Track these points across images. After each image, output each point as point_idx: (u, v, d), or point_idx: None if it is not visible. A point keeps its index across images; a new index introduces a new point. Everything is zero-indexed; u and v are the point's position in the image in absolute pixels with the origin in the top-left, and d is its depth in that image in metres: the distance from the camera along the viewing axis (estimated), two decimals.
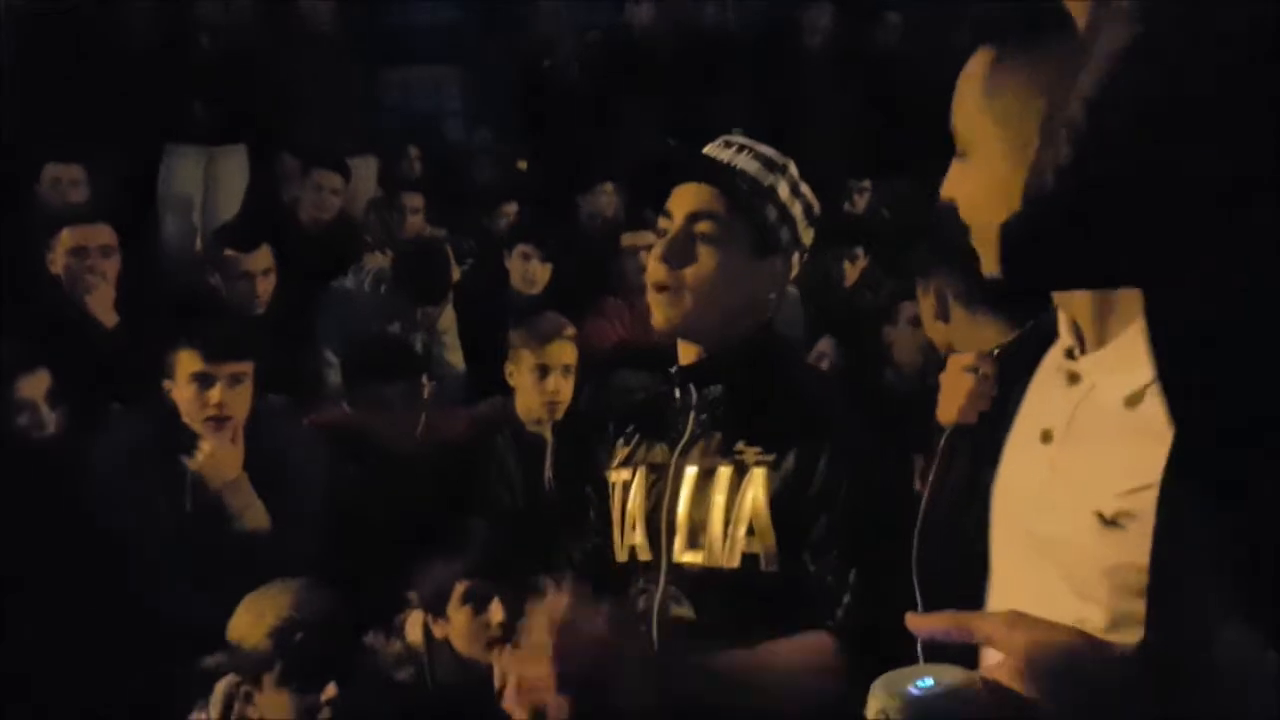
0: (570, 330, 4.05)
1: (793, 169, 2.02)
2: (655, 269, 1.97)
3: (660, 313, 1.98)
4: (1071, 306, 1.37)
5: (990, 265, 1.37)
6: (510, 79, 7.72)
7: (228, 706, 2.63)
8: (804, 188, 2.02)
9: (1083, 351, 1.37)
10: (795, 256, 2.02)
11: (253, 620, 2.61)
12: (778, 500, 1.89)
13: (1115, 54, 0.96)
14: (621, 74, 7.28)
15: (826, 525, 1.87)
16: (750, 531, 1.90)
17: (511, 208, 6.41)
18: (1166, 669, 1.12)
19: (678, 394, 2.01)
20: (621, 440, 2.09)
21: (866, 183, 6.87)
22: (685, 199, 1.97)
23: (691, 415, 1.99)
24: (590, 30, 7.69)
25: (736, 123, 6.36)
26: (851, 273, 5.78)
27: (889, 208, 6.92)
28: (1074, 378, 1.36)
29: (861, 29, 7.58)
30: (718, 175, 1.98)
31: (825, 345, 4.87)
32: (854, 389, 2.01)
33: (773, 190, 1.98)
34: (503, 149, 7.80)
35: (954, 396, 1.68)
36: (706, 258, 1.94)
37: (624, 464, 2.06)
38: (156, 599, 3.25)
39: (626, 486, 2.04)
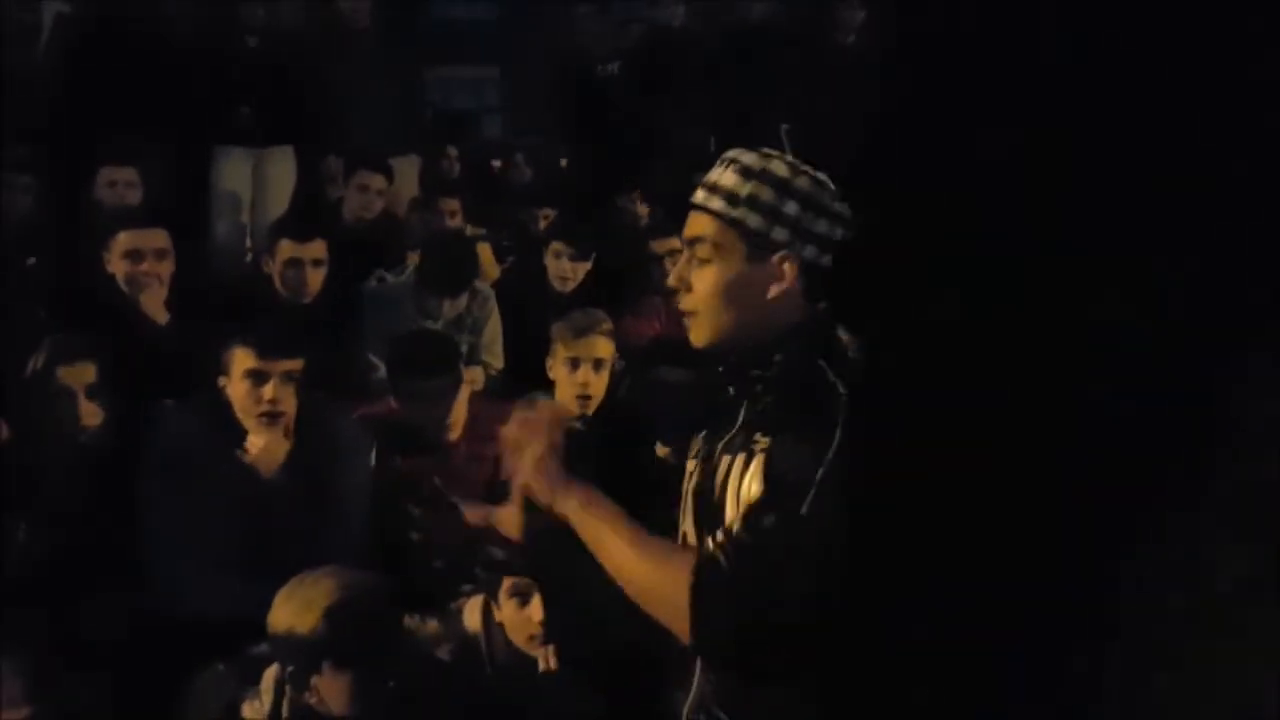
0: (607, 325, 4.11)
1: (775, 166, 2.05)
2: (679, 296, 2.12)
3: (692, 334, 2.11)
4: None
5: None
6: (550, 78, 7.79)
7: (279, 694, 2.66)
8: (798, 181, 2.05)
9: None
10: (809, 247, 2.04)
11: (300, 608, 2.63)
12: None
13: None
14: (662, 71, 7.32)
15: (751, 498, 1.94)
16: None
17: (550, 209, 6.48)
18: None
19: (729, 390, 2.09)
20: (705, 432, 2.16)
21: None
22: (689, 226, 2.10)
23: (742, 412, 2.05)
24: (631, 25, 7.73)
25: (778, 119, 6.41)
26: None
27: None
28: None
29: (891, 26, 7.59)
30: (701, 200, 2.08)
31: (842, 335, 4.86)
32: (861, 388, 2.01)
33: (753, 198, 2.04)
34: (541, 148, 7.88)
35: None
36: (704, 280, 2.07)
37: (695, 455, 2.15)
38: (198, 590, 3.32)
39: (690, 476, 2.14)
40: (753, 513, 1.92)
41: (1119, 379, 1.30)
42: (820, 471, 1.87)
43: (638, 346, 4.74)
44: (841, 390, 1.93)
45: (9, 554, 3.32)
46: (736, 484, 1.99)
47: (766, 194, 2.05)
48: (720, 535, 1.94)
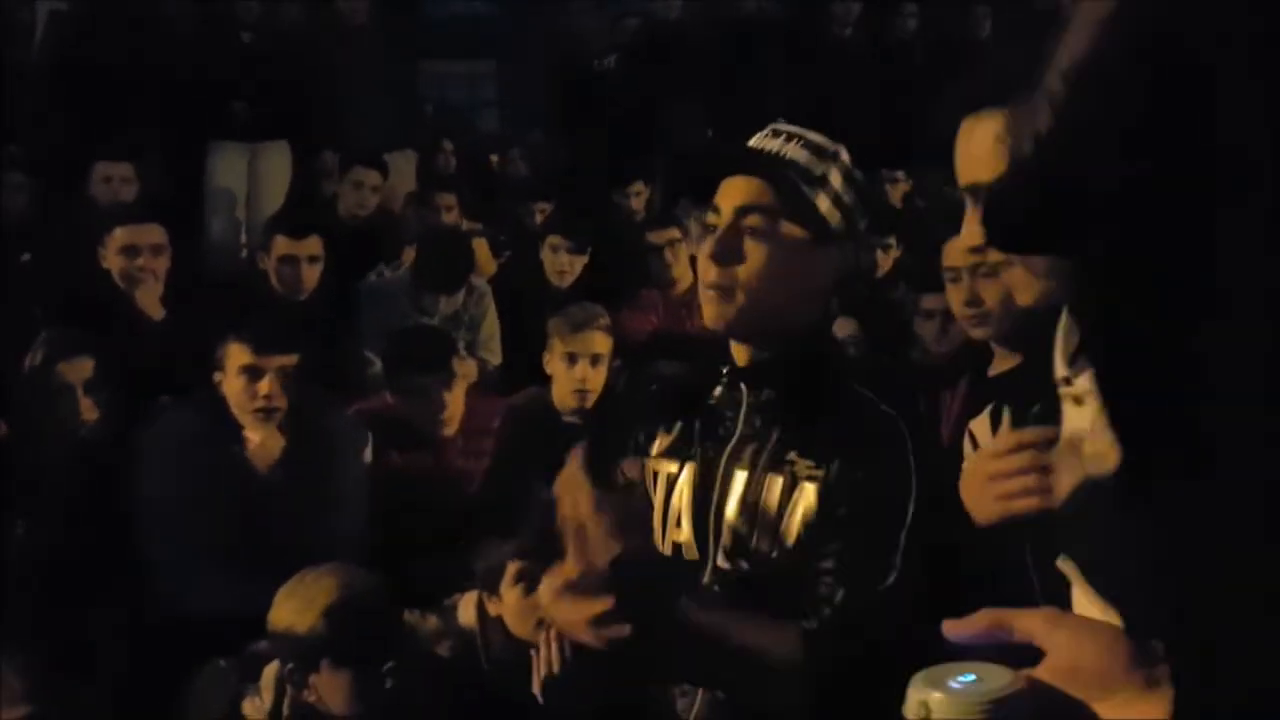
0: (604, 320, 4.09)
1: (844, 155, 1.91)
2: (706, 267, 1.88)
3: (712, 311, 1.88)
4: (1061, 341, 1.38)
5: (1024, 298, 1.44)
6: (547, 73, 7.79)
7: (280, 691, 2.64)
8: (858, 174, 1.92)
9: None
10: (851, 245, 1.91)
11: (300, 606, 2.61)
12: (818, 515, 1.83)
13: (1093, 23, 0.98)
14: (658, 65, 7.32)
15: (838, 540, 1.81)
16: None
17: (547, 204, 6.47)
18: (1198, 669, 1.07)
19: (730, 392, 1.92)
20: (663, 428, 1.98)
21: (900, 173, 6.91)
22: (733, 193, 1.88)
23: (742, 416, 1.90)
24: (627, 18, 7.74)
25: (775, 112, 6.42)
26: (885, 262, 5.83)
27: (923, 199, 6.96)
28: (1078, 400, 1.37)
29: (888, 19, 7.62)
30: (766, 166, 1.87)
31: (846, 325, 4.76)
32: (899, 401, 1.92)
33: (824, 179, 1.87)
34: (538, 142, 7.88)
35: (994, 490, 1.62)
36: (757, 253, 1.85)
37: (667, 454, 1.96)
38: (196, 588, 3.32)
39: (671, 479, 1.94)
40: (841, 570, 1.80)
41: None
42: (907, 515, 1.78)
43: (636, 341, 4.74)
44: (893, 414, 1.84)
45: (8, 551, 3.32)
46: (776, 510, 1.84)
47: (836, 178, 1.89)
48: (811, 606, 1.81)
